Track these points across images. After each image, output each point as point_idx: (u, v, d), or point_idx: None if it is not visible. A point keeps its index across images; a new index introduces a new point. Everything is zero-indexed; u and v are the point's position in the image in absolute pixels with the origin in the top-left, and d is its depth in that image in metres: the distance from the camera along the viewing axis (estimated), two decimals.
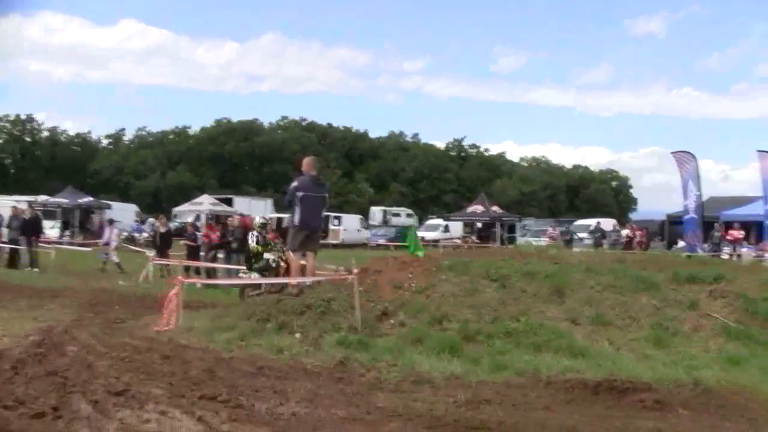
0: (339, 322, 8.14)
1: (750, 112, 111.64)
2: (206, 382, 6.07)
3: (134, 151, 72.01)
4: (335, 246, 33.63)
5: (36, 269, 18.12)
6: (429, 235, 35.83)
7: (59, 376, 6.01)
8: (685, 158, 23.64)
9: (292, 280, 9.73)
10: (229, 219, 19.30)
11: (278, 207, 40.32)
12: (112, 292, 13.96)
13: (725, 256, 20.95)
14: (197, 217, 35.98)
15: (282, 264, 11.61)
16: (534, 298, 8.92)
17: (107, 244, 20.41)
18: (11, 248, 19.17)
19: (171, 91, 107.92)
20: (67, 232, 34.01)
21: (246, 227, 16.14)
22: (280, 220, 28.24)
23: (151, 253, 18.28)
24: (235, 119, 73.65)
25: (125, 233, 30.57)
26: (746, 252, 21.51)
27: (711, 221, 23.85)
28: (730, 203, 27.88)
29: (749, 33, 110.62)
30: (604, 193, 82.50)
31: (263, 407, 5.45)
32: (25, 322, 9.25)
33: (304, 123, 78.17)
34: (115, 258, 19.74)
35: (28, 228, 19.16)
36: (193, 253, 18.03)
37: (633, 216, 65.26)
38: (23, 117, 68.27)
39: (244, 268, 12.35)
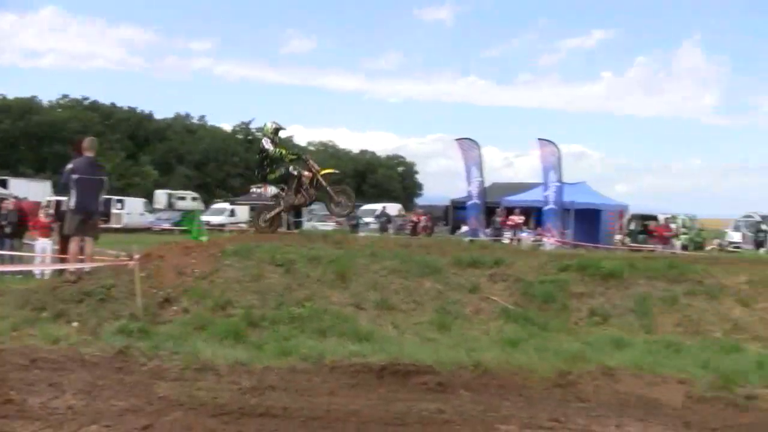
0: (119, 310, 8.15)
1: (533, 101, 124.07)
2: None
3: None
4: (117, 230, 32.64)
5: None
6: (214, 220, 36.13)
7: None
8: (468, 145, 25.45)
9: (70, 266, 9.48)
10: (4, 202, 17.56)
11: (57, 189, 37.85)
12: None
13: (506, 241, 22.73)
14: None
15: (306, 174, 10.66)
16: (319, 283, 9.21)
17: None
18: None
19: None
20: None
21: (21, 210, 15.60)
22: (59, 203, 26.30)
23: None
24: (10, 96, 69.09)
25: None
26: (526, 237, 23.23)
27: (493, 207, 25.56)
28: (511, 189, 30.33)
29: (533, 25, 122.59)
30: (391, 179, 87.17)
31: (37, 401, 5.38)
32: None
33: (86, 102, 75.07)
34: None
35: None
36: None
37: (419, 201, 69.42)
38: None
39: (19, 253, 11.55)
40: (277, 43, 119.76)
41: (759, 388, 6.53)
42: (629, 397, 6.28)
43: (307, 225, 38.68)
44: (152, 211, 45.00)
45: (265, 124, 11.93)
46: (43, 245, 15.16)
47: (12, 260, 14.20)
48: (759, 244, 26.26)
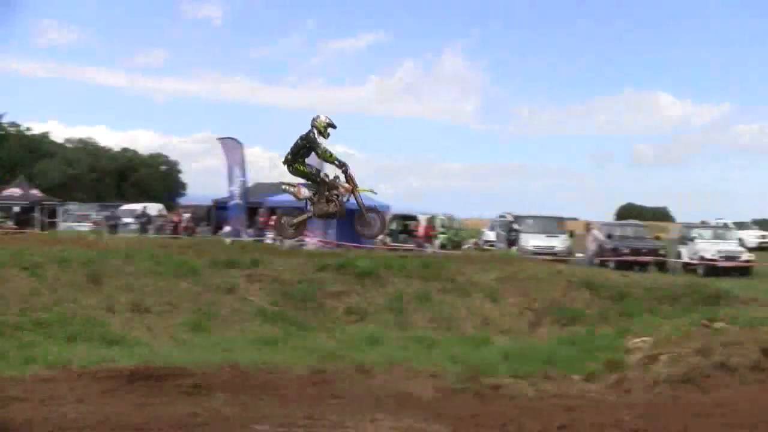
0: None
1: (300, 101, 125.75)
2: None
3: None
4: None
5: None
6: None
7: None
8: (231, 145, 25.60)
9: None
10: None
11: None
12: None
13: (269, 241, 23.23)
14: None
15: (345, 186, 9.41)
16: (69, 286, 9.12)
17: None
18: None
19: None
20: None
21: None
22: None
23: None
24: None
25: None
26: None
27: (255, 207, 25.91)
28: (275, 189, 30.91)
29: (301, 26, 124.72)
30: (153, 178, 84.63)
31: None
32: None
33: None
34: None
35: None
36: None
37: (182, 200, 68.02)
38: None
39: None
40: (31, 32, 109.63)
41: (505, 378, 7.41)
42: (383, 392, 6.83)
43: (62, 226, 36.52)
44: None
45: (318, 116, 11.29)
46: None
47: None
48: (511, 243, 29.20)
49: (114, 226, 29.36)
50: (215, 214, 31.37)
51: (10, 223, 34.70)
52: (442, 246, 28.14)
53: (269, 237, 23.65)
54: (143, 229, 29.69)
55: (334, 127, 11.91)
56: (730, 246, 27.00)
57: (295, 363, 7.67)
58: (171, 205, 57.83)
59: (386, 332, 9.49)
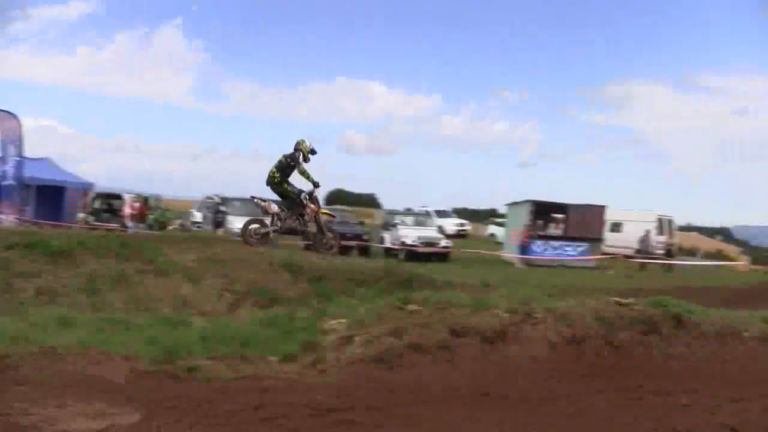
0: None
1: (2, 71, 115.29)
2: None
3: None
4: None
5: None
6: None
7: None
8: (5, 118, 23.25)
9: None
10: None
11: None
12: None
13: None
14: None
15: (312, 207, 12.87)
16: None
17: None
18: None
19: None
20: None
21: None
22: None
23: None
24: None
25: None
26: None
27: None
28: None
29: None
30: None
31: None
32: None
33: None
34: None
35: None
36: None
37: None
38: None
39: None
40: None
41: (201, 360, 7.50)
42: (73, 377, 6.67)
43: None
44: None
45: (303, 141, 13.82)
46: None
47: None
48: (218, 225, 29.51)
49: None
50: None
51: None
52: (149, 227, 27.89)
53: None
54: None
55: (314, 153, 13.63)
56: (430, 233, 29.94)
57: None
58: None
59: (79, 314, 9.15)
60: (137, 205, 29.24)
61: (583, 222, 30.82)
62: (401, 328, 8.07)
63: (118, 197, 30.18)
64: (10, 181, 23.51)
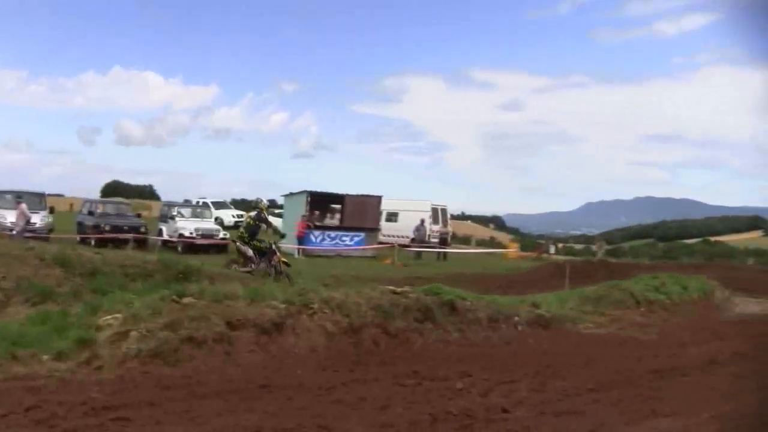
0: None
1: None
2: None
3: None
4: None
5: None
6: None
7: None
8: None
9: None
10: None
11: None
12: None
13: None
14: None
15: (278, 255, 16.94)
16: None
17: None
18: None
19: None
20: None
21: None
22: None
23: None
24: None
25: None
26: None
27: None
28: None
29: None
30: None
31: None
32: None
33: None
34: None
35: None
36: None
37: None
38: None
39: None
40: None
41: None
42: None
43: None
44: None
45: (261, 200, 18.16)
46: None
47: None
48: None
49: None
50: None
51: None
52: None
53: None
54: None
55: (269, 207, 17.84)
56: (208, 225, 29.89)
57: None
58: None
59: None
60: None
61: (359, 212, 31.94)
62: (177, 321, 8.23)
63: None
64: None
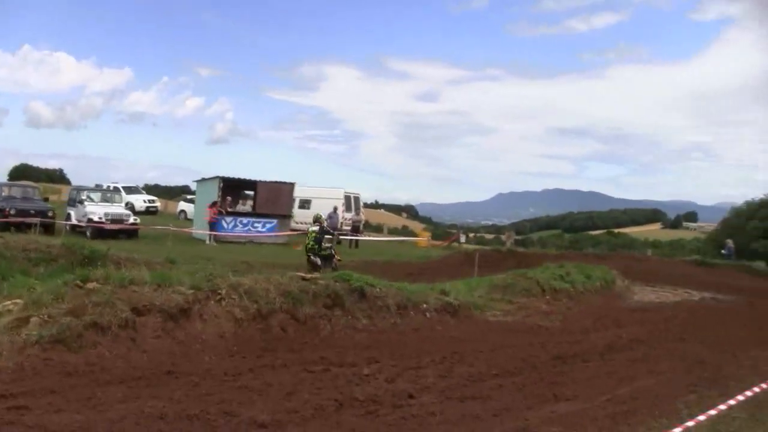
0: None
1: None
2: None
3: None
4: None
5: None
6: None
7: None
8: None
9: None
10: None
11: None
12: None
13: None
14: None
15: (338, 257, 19.01)
16: None
17: None
18: None
19: None
20: None
21: None
22: None
23: None
24: None
25: None
26: None
27: None
28: None
29: None
30: None
31: None
32: None
33: None
34: None
35: None
36: None
37: None
38: None
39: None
40: None
41: None
42: None
43: None
44: None
45: (320, 215, 20.40)
46: None
47: None
48: None
49: None
50: None
51: None
52: None
53: None
54: None
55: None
56: (118, 209, 29.25)
57: None
58: None
59: None
60: None
61: (272, 199, 31.73)
62: (81, 306, 8.05)
63: None
64: None
